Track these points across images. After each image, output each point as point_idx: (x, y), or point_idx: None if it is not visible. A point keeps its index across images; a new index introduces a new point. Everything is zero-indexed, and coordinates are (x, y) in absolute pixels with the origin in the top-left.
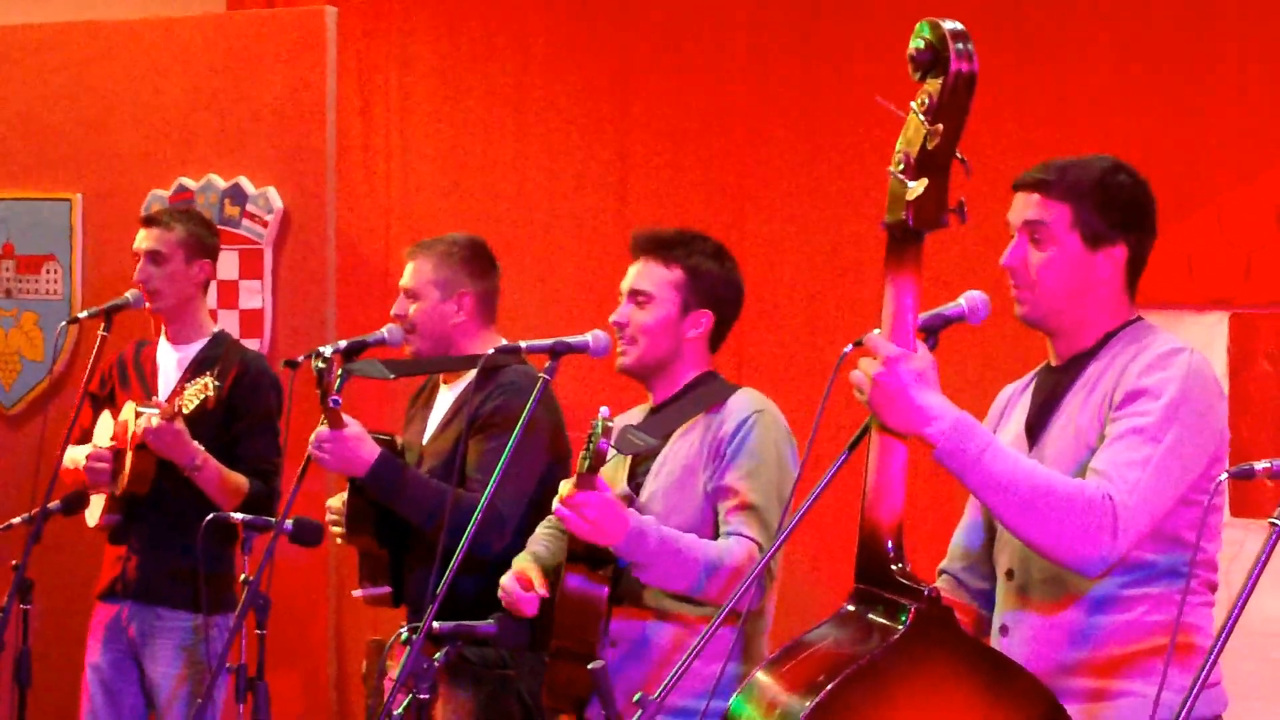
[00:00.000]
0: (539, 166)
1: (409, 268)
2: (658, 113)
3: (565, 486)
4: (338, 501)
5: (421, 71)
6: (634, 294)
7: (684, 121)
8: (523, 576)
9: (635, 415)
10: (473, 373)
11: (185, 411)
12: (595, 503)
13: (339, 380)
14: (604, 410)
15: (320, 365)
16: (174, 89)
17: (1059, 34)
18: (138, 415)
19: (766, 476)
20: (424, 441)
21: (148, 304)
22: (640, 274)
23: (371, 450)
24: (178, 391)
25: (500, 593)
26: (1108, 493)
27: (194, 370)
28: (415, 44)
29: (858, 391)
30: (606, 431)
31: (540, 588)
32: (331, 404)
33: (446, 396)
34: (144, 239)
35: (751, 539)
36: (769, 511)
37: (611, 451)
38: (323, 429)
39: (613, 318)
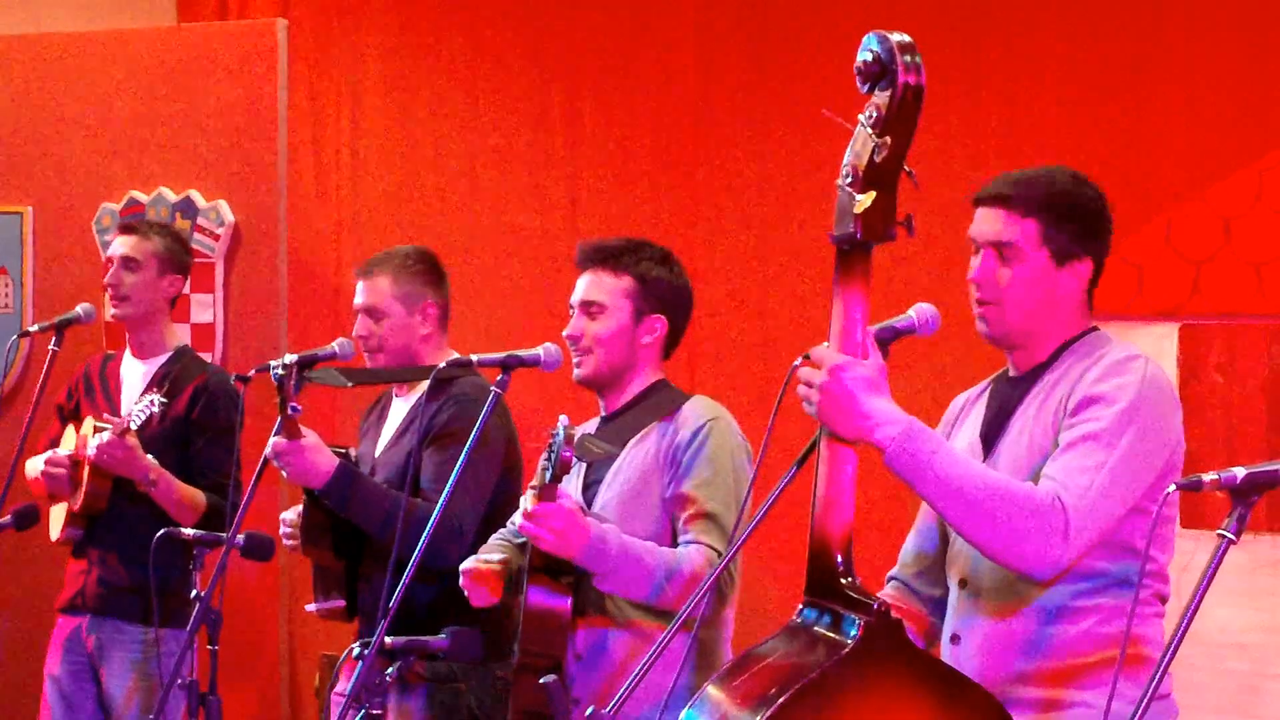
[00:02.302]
0: (490, 180)
1: (363, 287)
2: (608, 127)
3: (528, 500)
4: (292, 514)
5: (372, 85)
6: (585, 305)
7: (634, 136)
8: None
9: (589, 426)
10: (425, 385)
11: (133, 428)
12: (557, 514)
13: (295, 388)
14: (564, 419)
15: (280, 373)
16: (125, 102)
17: (1006, 49)
18: (96, 431)
19: (723, 484)
20: (376, 454)
21: (114, 310)
22: (590, 285)
23: (329, 461)
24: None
25: (464, 579)
26: (1059, 496)
27: (156, 385)
28: (366, 57)
29: (806, 404)
30: (569, 439)
31: (498, 565)
32: (291, 411)
33: (400, 409)
34: (120, 245)
35: (710, 546)
36: (727, 519)
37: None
38: (280, 440)
39: (566, 332)
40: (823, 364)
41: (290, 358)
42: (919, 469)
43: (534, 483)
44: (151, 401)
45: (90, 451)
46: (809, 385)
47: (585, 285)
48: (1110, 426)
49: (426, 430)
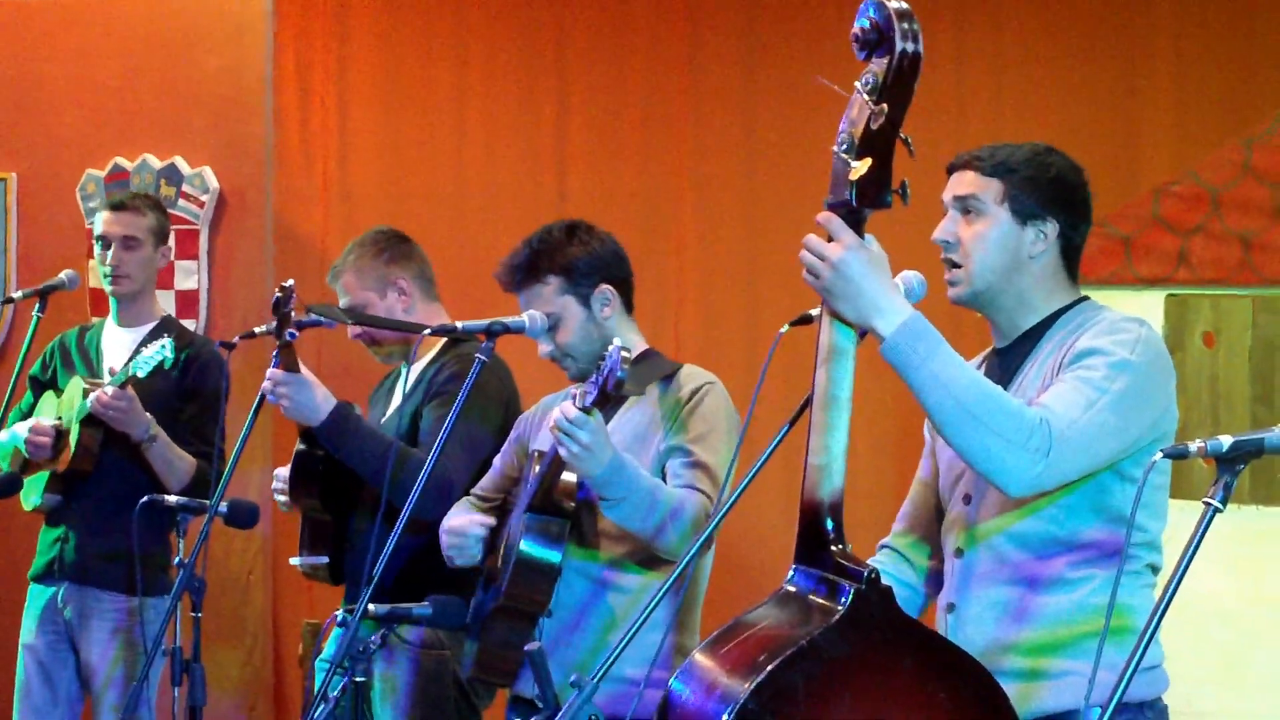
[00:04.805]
0: (478, 148)
1: (339, 291)
2: (597, 98)
3: (566, 408)
4: (287, 471)
5: (359, 52)
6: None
7: (622, 106)
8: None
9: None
10: (433, 352)
11: (141, 376)
12: (592, 428)
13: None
14: (619, 341)
15: (279, 294)
16: (110, 68)
17: (995, 24)
18: (86, 392)
19: (718, 440)
20: (383, 420)
21: (114, 288)
22: (532, 303)
23: (328, 398)
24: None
25: (445, 538)
26: (1046, 419)
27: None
28: (353, 25)
29: (809, 275)
30: (625, 361)
31: (487, 519)
32: (288, 337)
33: (410, 377)
34: (116, 224)
35: (705, 494)
36: (719, 472)
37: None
38: (277, 371)
39: (542, 355)
40: (839, 238)
41: (272, 324)
42: (917, 363)
43: (577, 403)
44: (165, 346)
45: (89, 402)
46: (820, 258)
47: (529, 304)
48: (1104, 374)
49: (429, 389)
